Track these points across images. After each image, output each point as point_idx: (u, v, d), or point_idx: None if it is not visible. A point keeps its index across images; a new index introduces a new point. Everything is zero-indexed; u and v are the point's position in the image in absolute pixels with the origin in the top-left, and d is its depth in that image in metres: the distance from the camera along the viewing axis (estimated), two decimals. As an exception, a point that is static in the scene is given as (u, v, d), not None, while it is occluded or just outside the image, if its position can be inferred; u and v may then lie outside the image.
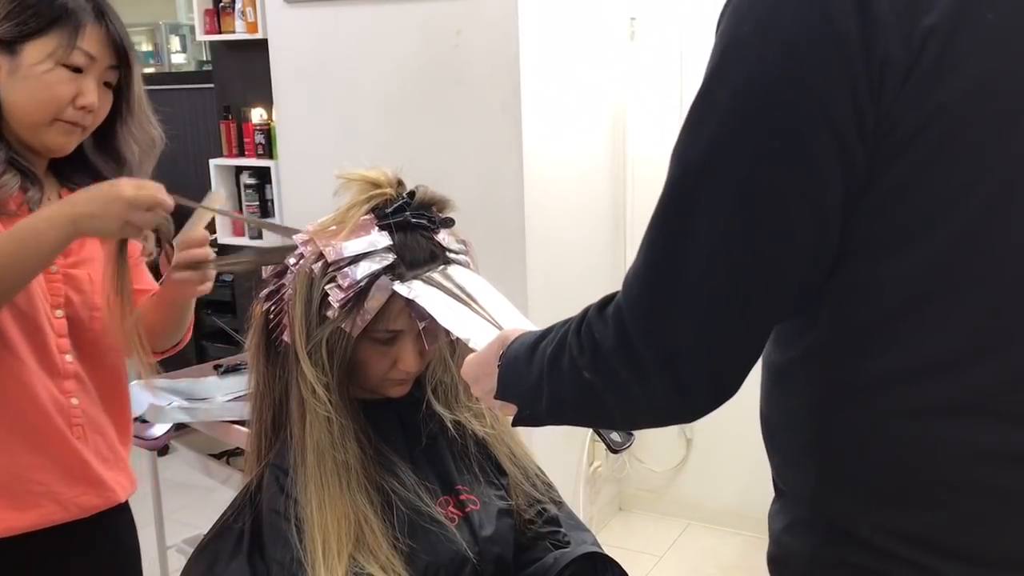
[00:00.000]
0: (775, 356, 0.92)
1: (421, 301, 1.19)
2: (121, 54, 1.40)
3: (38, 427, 1.38)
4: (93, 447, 1.45)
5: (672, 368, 0.82)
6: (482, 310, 1.20)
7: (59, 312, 1.40)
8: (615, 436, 1.11)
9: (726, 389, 0.84)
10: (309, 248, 1.24)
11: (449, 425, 1.33)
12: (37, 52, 1.33)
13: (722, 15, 0.82)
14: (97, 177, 1.43)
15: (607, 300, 0.88)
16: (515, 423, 1.02)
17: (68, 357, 1.42)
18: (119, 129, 1.44)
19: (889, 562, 0.84)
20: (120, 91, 1.42)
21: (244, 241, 3.85)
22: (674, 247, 0.81)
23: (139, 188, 1.29)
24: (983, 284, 0.79)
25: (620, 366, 0.84)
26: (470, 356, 1.11)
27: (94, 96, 1.37)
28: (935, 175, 0.77)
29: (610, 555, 1.33)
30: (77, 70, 1.35)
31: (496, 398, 1.03)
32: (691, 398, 0.84)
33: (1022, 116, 0.77)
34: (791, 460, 0.92)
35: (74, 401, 1.42)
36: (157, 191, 1.29)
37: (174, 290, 1.44)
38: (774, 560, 0.95)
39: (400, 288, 1.20)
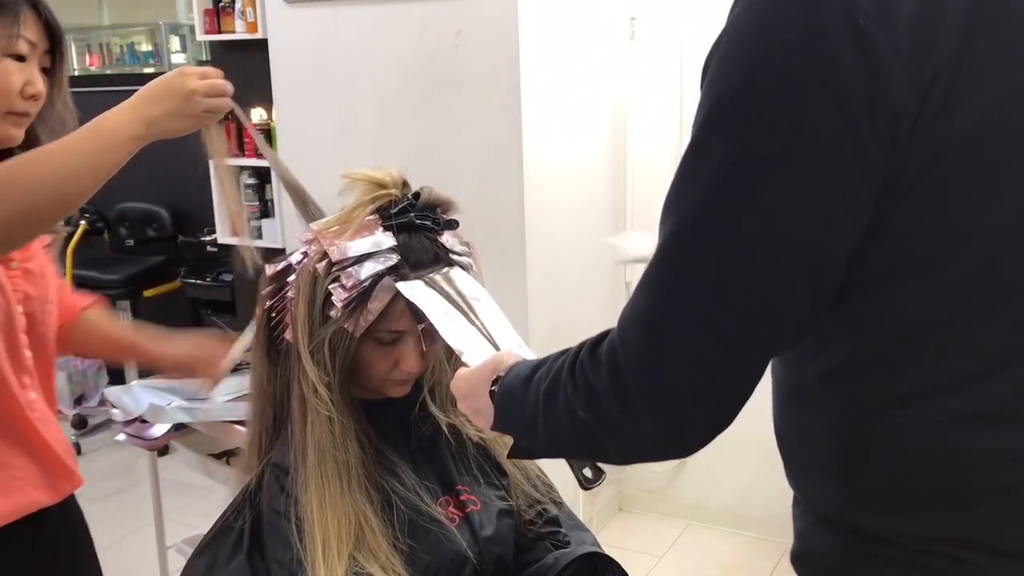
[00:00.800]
0: (785, 373, 0.92)
1: (420, 304, 1.19)
2: (55, 38, 1.37)
3: (15, 420, 1.40)
4: (52, 436, 1.47)
5: (668, 411, 0.82)
6: (479, 322, 1.20)
7: (20, 308, 1.40)
8: (587, 472, 1.12)
9: (721, 426, 0.84)
10: (313, 247, 1.24)
11: (444, 428, 1.33)
12: None
13: (709, 61, 0.81)
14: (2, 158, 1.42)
15: (600, 338, 0.87)
16: (511, 455, 1.03)
17: (27, 352, 1.43)
18: (41, 112, 1.40)
19: (921, 555, 0.84)
20: (51, 74, 1.39)
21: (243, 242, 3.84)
22: (672, 295, 0.81)
23: (204, 75, 1.31)
24: (1008, 302, 0.81)
25: (614, 408, 0.84)
26: (461, 371, 1.11)
27: (42, 84, 1.35)
28: (950, 206, 0.78)
29: (610, 555, 1.33)
30: (20, 59, 1.32)
31: (493, 429, 1.03)
32: (686, 438, 0.84)
33: None
34: (813, 476, 0.92)
35: (32, 395, 1.43)
36: (217, 74, 1.33)
37: (173, 365, 1.57)
38: (800, 557, 0.94)
39: (403, 287, 1.20)
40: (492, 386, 1.03)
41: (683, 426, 0.83)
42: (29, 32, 1.32)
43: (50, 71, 1.39)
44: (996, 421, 0.82)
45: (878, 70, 0.74)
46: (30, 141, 1.38)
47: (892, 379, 0.83)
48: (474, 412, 1.08)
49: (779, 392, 0.94)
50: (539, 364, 0.97)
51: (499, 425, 1.02)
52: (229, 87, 1.32)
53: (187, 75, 1.31)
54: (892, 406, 0.84)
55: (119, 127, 1.27)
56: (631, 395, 0.82)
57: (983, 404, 0.82)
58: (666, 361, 0.81)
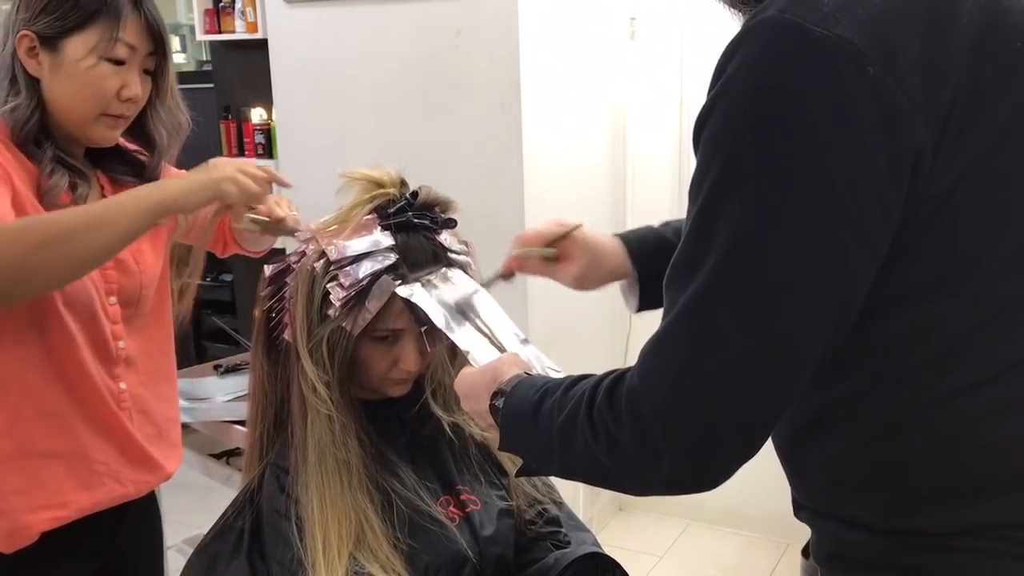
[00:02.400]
0: (797, 408, 0.91)
1: (421, 305, 1.19)
2: (159, 40, 1.39)
3: (99, 411, 1.42)
4: (139, 427, 1.48)
5: (694, 459, 0.82)
6: (480, 321, 1.20)
7: (112, 299, 1.42)
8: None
9: (743, 463, 0.84)
10: (311, 246, 1.24)
11: (447, 427, 1.33)
12: (79, 47, 1.32)
13: (703, 122, 0.81)
14: (130, 162, 1.46)
15: (616, 380, 0.87)
16: (520, 474, 1.03)
17: (121, 343, 1.44)
18: (150, 114, 1.44)
19: (967, 540, 0.85)
20: (155, 76, 1.42)
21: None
22: (700, 347, 0.80)
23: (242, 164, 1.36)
24: None
25: (638, 458, 0.84)
26: (465, 370, 1.11)
27: (139, 88, 1.37)
28: (973, 225, 0.80)
29: (610, 555, 1.33)
30: (119, 62, 1.34)
31: (500, 449, 1.03)
32: (711, 479, 0.84)
33: None
34: (843, 496, 0.91)
35: (122, 385, 1.45)
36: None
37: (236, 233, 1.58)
38: (840, 558, 0.94)
39: (401, 291, 1.20)
40: (493, 400, 1.02)
41: (708, 470, 0.84)
42: (130, 36, 1.34)
43: (155, 74, 1.41)
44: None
45: (893, 116, 0.75)
46: (150, 138, 1.45)
47: (925, 386, 0.84)
48: (475, 413, 1.08)
49: (789, 425, 0.93)
50: (545, 389, 0.96)
51: (505, 446, 1.01)
52: (263, 175, 1.37)
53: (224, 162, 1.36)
54: (928, 409, 0.84)
55: (143, 197, 1.30)
56: (657, 447, 0.82)
57: (1018, 392, 0.84)
58: (694, 413, 0.81)
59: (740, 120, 0.78)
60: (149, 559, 1.62)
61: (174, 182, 1.32)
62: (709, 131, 0.80)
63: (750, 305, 0.78)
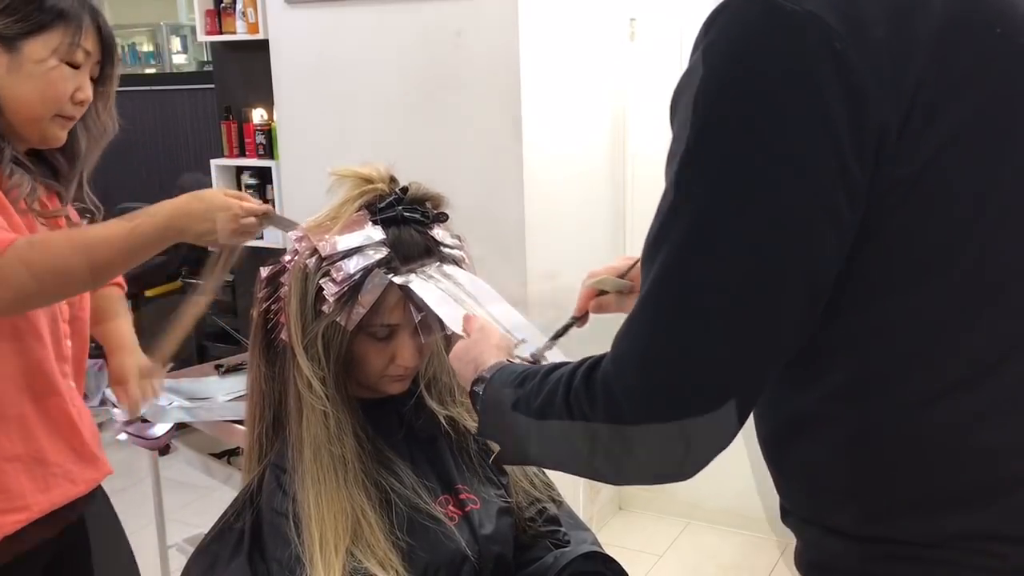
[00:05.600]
0: (777, 405, 0.91)
1: (417, 291, 1.20)
2: (110, 51, 1.44)
3: (58, 410, 1.44)
4: (85, 424, 1.50)
5: (665, 443, 0.82)
6: (478, 307, 1.21)
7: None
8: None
9: (718, 452, 0.84)
10: (303, 243, 1.24)
11: (443, 421, 1.33)
12: (40, 49, 1.35)
13: (681, 91, 0.82)
14: (49, 164, 1.47)
15: (595, 364, 0.87)
16: (497, 461, 1.02)
17: (68, 342, 1.47)
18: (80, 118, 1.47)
19: (945, 552, 0.84)
20: (99, 83, 1.46)
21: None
22: (667, 325, 0.81)
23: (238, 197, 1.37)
24: (1007, 290, 0.82)
25: (611, 442, 0.84)
26: (459, 344, 1.12)
27: (91, 91, 1.42)
28: (943, 213, 0.80)
29: (610, 555, 1.34)
30: (76, 66, 1.38)
31: (477, 435, 1.04)
32: (685, 465, 0.84)
33: (1006, 147, 0.80)
34: (824, 498, 0.91)
35: (72, 384, 1.47)
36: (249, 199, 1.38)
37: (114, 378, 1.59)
38: (817, 566, 0.94)
39: (397, 279, 1.21)
40: (473, 386, 1.03)
41: (681, 456, 0.83)
42: (88, 43, 1.39)
43: (99, 81, 1.45)
44: (1013, 412, 0.83)
45: (859, 93, 0.76)
46: (70, 142, 1.46)
47: (899, 387, 0.84)
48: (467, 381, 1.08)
49: (772, 424, 0.93)
50: (525, 375, 0.96)
51: (483, 432, 1.02)
52: (260, 208, 1.38)
53: (220, 195, 1.36)
54: (903, 413, 0.84)
55: (145, 225, 1.32)
56: (628, 428, 0.82)
57: (999, 396, 0.83)
58: (664, 392, 0.80)
59: (713, 93, 0.79)
60: (113, 553, 1.63)
61: (177, 220, 1.33)
62: (683, 102, 0.81)
63: (715, 279, 0.79)
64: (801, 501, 0.94)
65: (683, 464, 0.84)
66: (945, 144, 0.78)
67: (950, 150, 0.79)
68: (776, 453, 0.95)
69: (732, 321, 0.79)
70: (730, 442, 0.83)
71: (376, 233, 1.23)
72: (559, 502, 1.42)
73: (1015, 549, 0.83)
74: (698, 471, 0.85)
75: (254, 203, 1.38)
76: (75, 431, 1.47)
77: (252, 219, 1.36)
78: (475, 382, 1.03)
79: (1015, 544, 0.83)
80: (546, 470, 1.43)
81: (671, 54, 3.08)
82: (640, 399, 0.81)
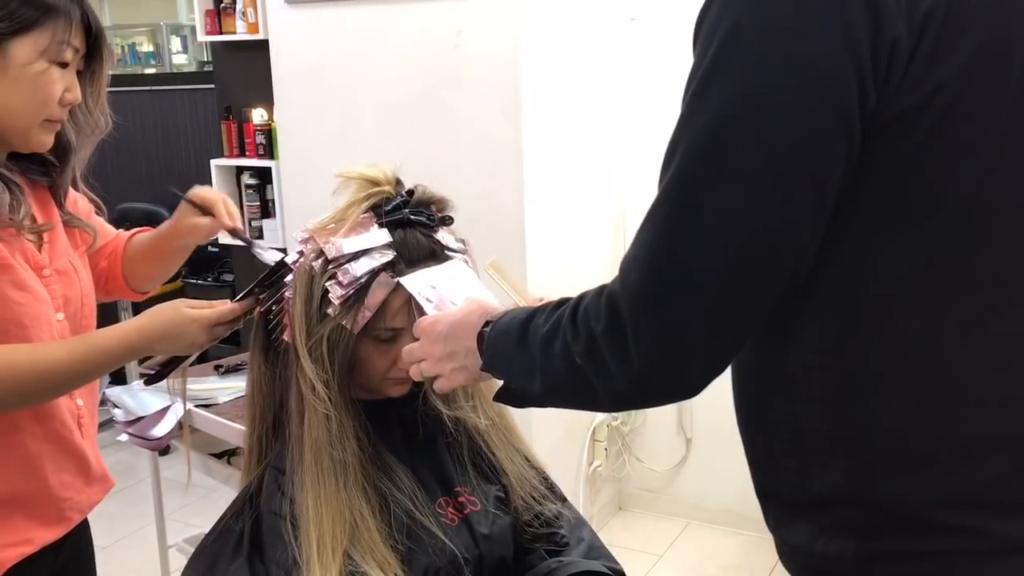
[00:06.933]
0: (763, 362, 0.90)
1: (421, 279, 1.20)
2: (97, 41, 1.30)
3: (63, 437, 1.38)
4: (90, 443, 1.45)
5: (664, 351, 0.82)
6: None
7: (59, 315, 1.36)
8: None
9: (717, 370, 0.84)
10: (309, 246, 1.24)
11: (447, 421, 1.33)
12: (28, 50, 1.21)
13: (704, 15, 0.83)
14: (42, 162, 1.37)
15: (604, 286, 0.88)
16: (498, 398, 1.02)
17: None
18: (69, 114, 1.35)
19: (936, 536, 0.84)
20: (88, 77, 1.33)
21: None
22: (678, 230, 0.81)
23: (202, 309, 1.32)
24: (998, 238, 0.82)
25: (610, 351, 0.84)
26: (437, 315, 1.11)
27: (79, 91, 1.29)
28: (941, 150, 0.79)
29: (610, 566, 1.33)
30: (64, 65, 1.26)
31: (482, 369, 1.03)
32: (681, 381, 0.84)
33: (1006, 89, 0.80)
34: (813, 461, 0.90)
35: (79, 402, 1.42)
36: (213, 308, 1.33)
37: (186, 233, 1.52)
38: (813, 571, 0.93)
39: (404, 280, 1.21)
40: (484, 327, 1.03)
41: (679, 368, 0.83)
42: (76, 39, 1.26)
43: (88, 74, 1.33)
44: (1001, 368, 0.82)
45: (876, 6, 0.76)
46: (59, 140, 1.34)
47: (887, 338, 0.83)
48: (448, 355, 1.07)
49: (753, 391, 0.93)
50: (535, 311, 0.97)
51: (489, 365, 1.02)
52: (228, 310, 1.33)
53: (184, 310, 1.31)
54: (887, 365, 0.83)
55: (111, 351, 1.30)
56: (628, 336, 0.82)
57: (989, 351, 0.82)
58: (666, 298, 0.81)
59: (730, 6, 0.80)
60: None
61: (152, 339, 1.31)
62: (709, 19, 0.82)
63: (724, 185, 0.79)
64: (784, 463, 0.93)
65: (678, 374, 0.83)
66: (950, 80, 0.78)
67: (955, 84, 0.79)
68: (758, 412, 0.94)
69: (737, 219, 0.79)
70: (726, 363, 0.83)
71: (382, 236, 1.23)
72: (563, 500, 1.42)
73: (998, 518, 0.82)
74: (690, 391, 0.84)
75: (220, 308, 1.32)
76: (82, 455, 1.41)
77: (221, 326, 1.31)
78: (484, 325, 1.03)
79: (995, 512, 0.83)
80: (547, 472, 1.43)
81: (671, 54, 3.08)
82: (639, 298, 0.82)
